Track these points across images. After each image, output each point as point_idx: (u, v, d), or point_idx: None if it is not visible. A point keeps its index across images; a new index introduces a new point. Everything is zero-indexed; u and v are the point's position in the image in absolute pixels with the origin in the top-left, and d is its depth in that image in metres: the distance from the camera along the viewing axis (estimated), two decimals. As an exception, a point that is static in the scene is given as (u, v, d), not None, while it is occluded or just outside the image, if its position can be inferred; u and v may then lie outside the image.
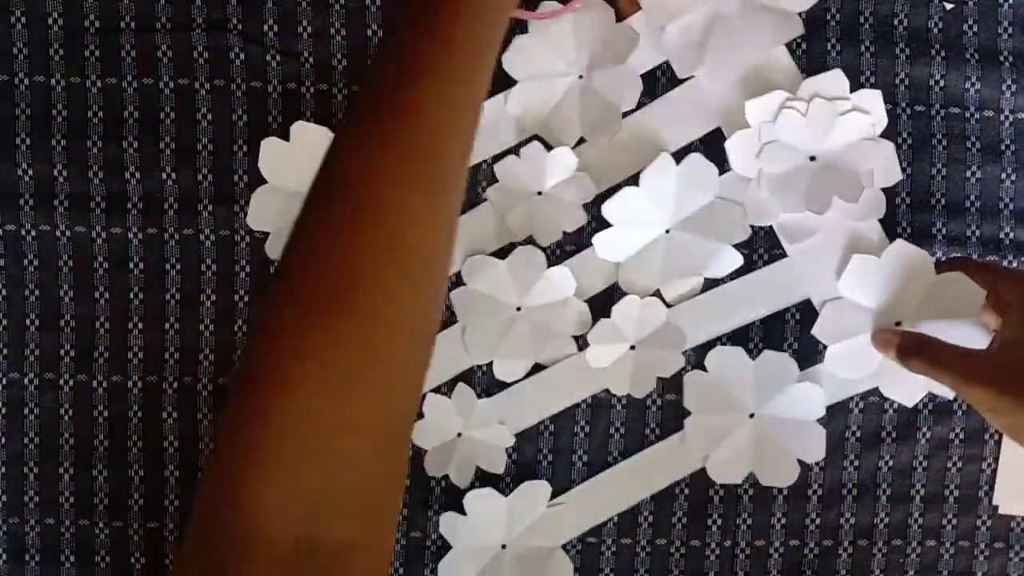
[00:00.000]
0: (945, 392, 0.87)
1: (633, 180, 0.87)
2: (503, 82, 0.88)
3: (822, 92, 0.85)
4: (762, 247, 0.89)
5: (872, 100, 0.85)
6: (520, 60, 0.86)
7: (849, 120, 0.85)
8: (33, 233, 0.88)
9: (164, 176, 0.88)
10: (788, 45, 0.87)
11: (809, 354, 0.89)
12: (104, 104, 0.88)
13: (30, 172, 0.88)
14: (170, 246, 0.89)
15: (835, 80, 0.85)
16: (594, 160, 0.87)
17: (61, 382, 0.89)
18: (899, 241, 0.85)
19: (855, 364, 0.86)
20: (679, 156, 0.86)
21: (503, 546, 0.88)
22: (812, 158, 0.85)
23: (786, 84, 0.86)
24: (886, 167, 0.85)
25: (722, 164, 0.87)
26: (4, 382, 0.89)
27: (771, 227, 0.88)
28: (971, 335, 0.84)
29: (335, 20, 0.88)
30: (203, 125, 0.88)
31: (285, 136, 0.86)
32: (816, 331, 0.86)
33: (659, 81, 0.88)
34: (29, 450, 0.89)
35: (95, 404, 0.89)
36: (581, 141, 0.87)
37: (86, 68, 0.88)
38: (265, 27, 0.88)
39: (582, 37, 0.86)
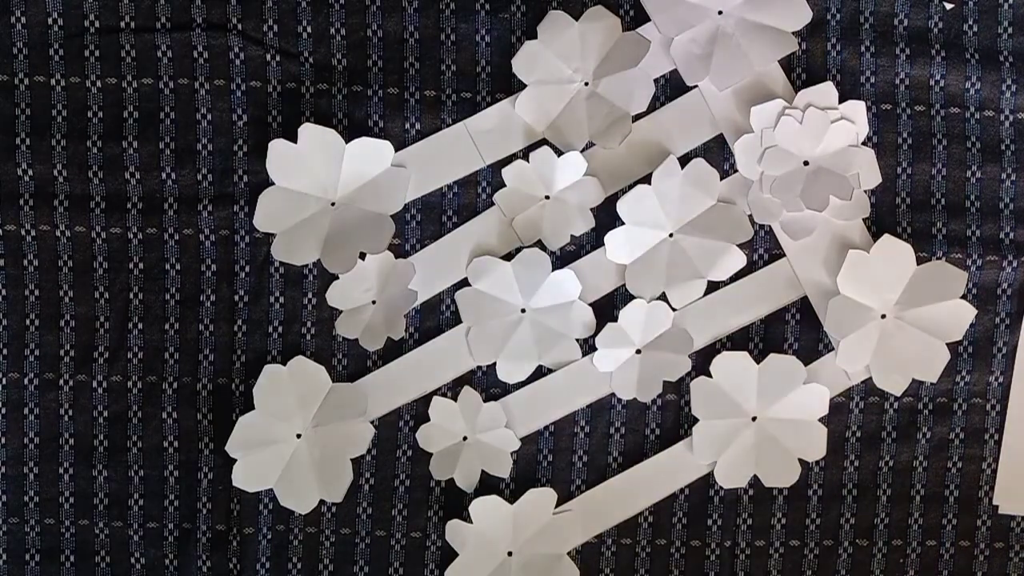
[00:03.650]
0: (930, 377, 0.87)
1: (641, 184, 0.87)
2: (512, 86, 0.88)
3: (814, 103, 0.87)
4: (762, 247, 0.89)
5: (856, 110, 0.87)
6: (529, 65, 0.86)
7: (839, 128, 0.86)
8: (33, 233, 0.88)
9: (164, 176, 0.88)
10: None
11: (809, 352, 0.89)
12: (104, 104, 0.88)
13: (30, 172, 0.88)
14: (170, 246, 0.89)
15: (825, 92, 0.87)
16: (602, 164, 0.88)
17: (61, 382, 0.89)
18: (887, 236, 0.87)
19: (857, 356, 0.87)
20: (682, 162, 0.87)
21: (509, 553, 0.88)
22: (806, 163, 0.86)
23: (782, 96, 0.88)
24: (868, 171, 0.87)
25: (723, 169, 0.88)
26: (4, 382, 0.89)
27: (770, 227, 0.89)
28: (953, 317, 0.86)
29: (335, 20, 0.88)
30: (203, 125, 0.88)
31: (287, 136, 0.86)
32: (826, 327, 0.87)
33: (663, 91, 0.88)
34: (29, 450, 0.89)
35: (95, 404, 0.89)
36: (589, 145, 0.87)
37: (86, 68, 0.88)
38: (265, 27, 0.88)
39: (588, 44, 0.86)
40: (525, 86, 0.87)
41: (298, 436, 0.88)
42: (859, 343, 0.87)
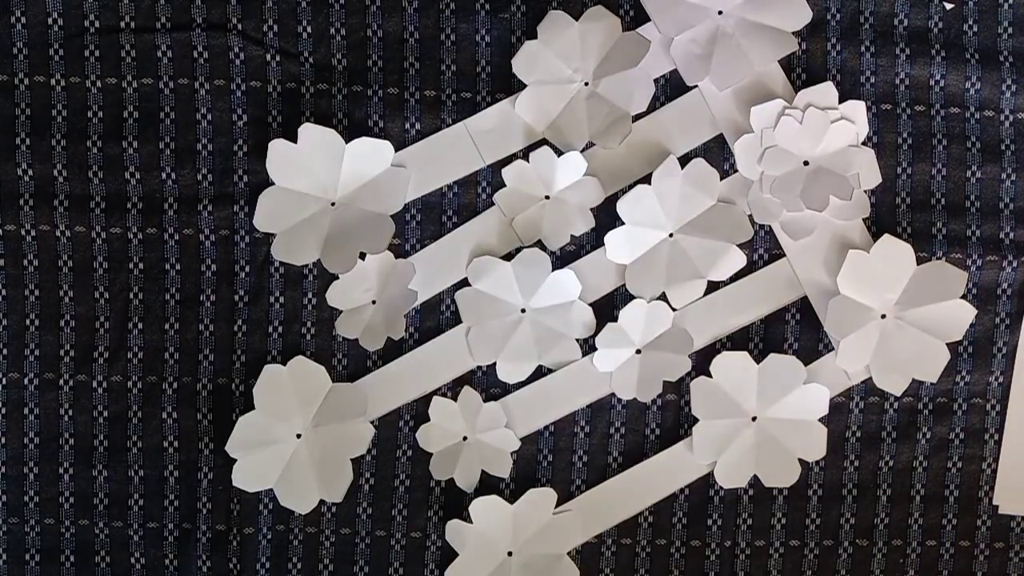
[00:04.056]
0: (930, 377, 0.87)
1: (641, 184, 0.87)
2: (512, 86, 0.88)
3: (814, 103, 0.87)
4: (762, 247, 0.89)
5: (856, 110, 0.87)
6: (529, 65, 0.86)
7: (839, 128, 0.86)
8: (33, 233, 0.88)
9: (164, 176, 0.88)
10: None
11: (809, 352, 0.89)
12: (104, 104, 0.88)
13: (30, 172, 0.88)
14: (170, 246, 0.89)
15: (825, 92, 0.87)
16: (602, 164, 0.88)
17: (61, 382, 0.89)
18: (886, 236, 0.87)
19: (857, 356, 0.87)
20: (682, 162, 0.87)
21: (509, 553, 0.88)
22: (806, 163, 0.86)
23: (782, 96, 0.88)
24: (868, 171, 0.87)
25: (723, 169, 0.88)
26: (4, 382, 0.89)
27: (770, 227, 0.89)
28: (953, 317, 0.86)
29: (335, 20, 0.88)
30: (203, 125, 0.88)
31: (286, 136, 0.86)
32: (826, 327, 0.87)
33: (663, 91, 0.88)
34: (29, 450, 0.89)
35: (95, 404, 0.89)
36: (589, 145, 0.87)
37: (86, 68, 0.88)
38: (265, 27, 0.88)
39: (588, 44, 0.86)
40: (525, 86, 0.87)
41: (298, 436, 0.88)
42: (859, 343, 0.87)
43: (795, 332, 0.89)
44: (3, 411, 0.89)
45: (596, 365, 0.88)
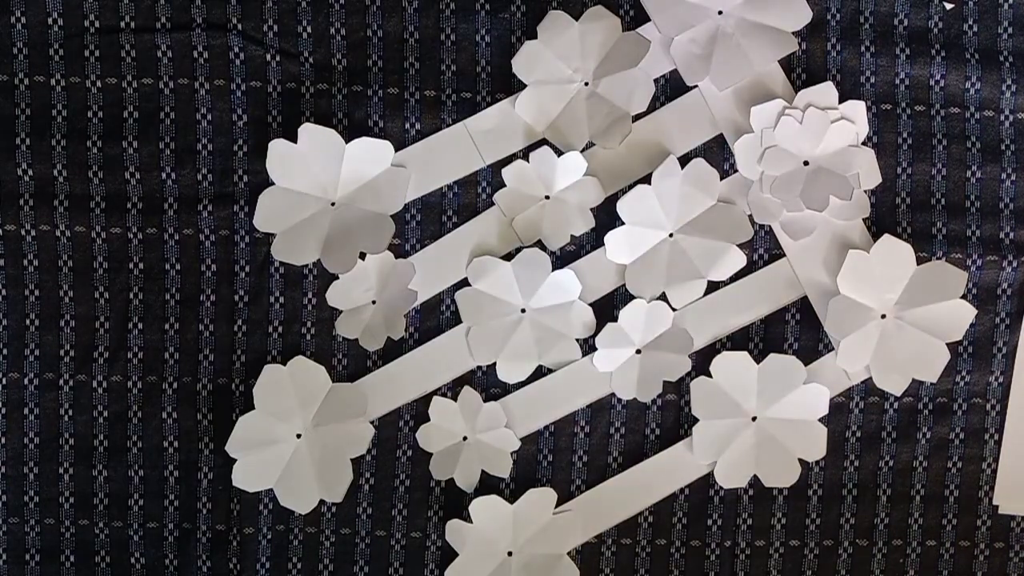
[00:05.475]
0: (930, 377, 0.87)
1: (641, 184, 0.87)
2: (512, 86, 0.88)
3: (814, 103, 0.87)
4: (762, 247, 0.89)
5: (856, 110, 0.87)
6: (529, 65, 0.86)
7: (839, 128, 0.86)
8: (33, 233, 0.88)
9: (164, 176, 0.88)
10: (789, 46, 0.88)
11: (809, 352, 0.89)
12: (104, 104, 0.88)
13: (30, 172, 0.88)
14: (170, 246, 0.89)
15: (825, 92, 0.87)
16: (602, 164, 0.88)
17: (61, 382, 0.89)
18: (886, 236, 0.87)
19: (857, 356, 0.87)
20: (682, 162, 0.87)
21: (509, 553, 0.88)
22: (806, 163, 0.86)
23: (782, 96, 0.88)
24: (868, 171, 0.87)
25: (723, 169, 0.88)
26: (4, 382, 0.89)
27: (770, 228, 0.89)
28: (953, 317, 0.86)
29: (335, 20, 0.88)
30: (203, 125, 0.88)
31: (286, 136, 0.86)
32: (827, 327, 0.87)
33: (663, 91, 0.88)
34: (29, 450, 0.89)
35: (95, 404, 0.89)
36: (589, 145, 0.87)
37: (86, 68, 0.88)
38: (265, 27, 0.88)
39: (588, 44, 0.86)
40: (525, 86, 0.87)
41: (298, 436, 0.88)
42: (859, 343, 0.87)
43: (795, 332, 0.89)
44: (3, 411, 0.89)
45: (596, 365, 0.88)
